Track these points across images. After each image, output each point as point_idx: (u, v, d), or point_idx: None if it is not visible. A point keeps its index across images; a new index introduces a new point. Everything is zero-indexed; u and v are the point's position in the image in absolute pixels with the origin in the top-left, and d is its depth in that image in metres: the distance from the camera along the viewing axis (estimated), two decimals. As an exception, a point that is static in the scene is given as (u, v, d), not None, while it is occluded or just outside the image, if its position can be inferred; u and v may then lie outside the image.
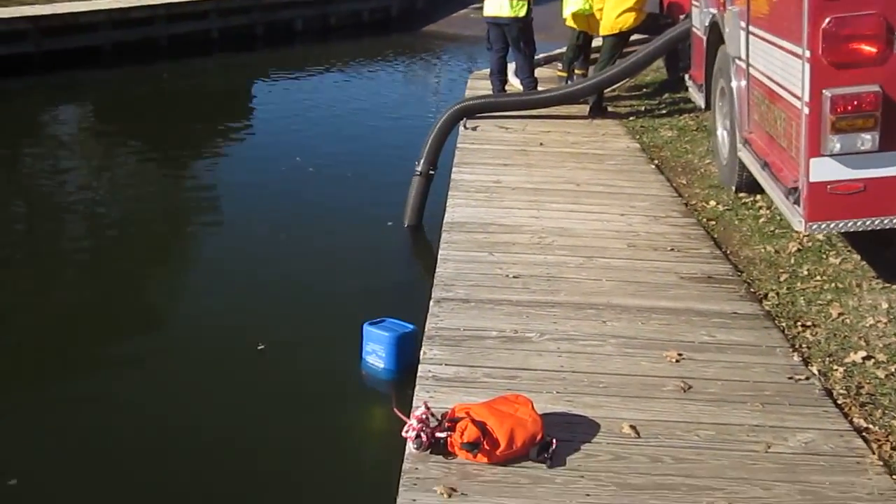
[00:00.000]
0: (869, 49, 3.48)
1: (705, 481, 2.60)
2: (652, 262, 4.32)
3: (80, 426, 3.84)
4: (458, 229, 4.71)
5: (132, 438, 3.72)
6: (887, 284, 3.92)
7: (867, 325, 3.64)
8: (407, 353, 4.20)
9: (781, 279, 4.19)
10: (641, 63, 7.25)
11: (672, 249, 4.51)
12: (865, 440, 2.83)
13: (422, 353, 3.31)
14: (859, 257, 4.26)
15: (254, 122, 10.55)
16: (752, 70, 4.67)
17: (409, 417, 2.77)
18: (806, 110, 3.61)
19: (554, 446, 2.65)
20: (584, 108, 7.55)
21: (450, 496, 2.45)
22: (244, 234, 6.32)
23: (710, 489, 2.56)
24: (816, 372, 3.28)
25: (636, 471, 2.63)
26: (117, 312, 5.09)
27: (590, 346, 3.42)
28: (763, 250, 4.56)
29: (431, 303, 3.75)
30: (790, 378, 3.22)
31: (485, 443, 2.57)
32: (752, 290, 4.06)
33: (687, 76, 6.95)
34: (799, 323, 3.73)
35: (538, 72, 8.20)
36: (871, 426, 2.93)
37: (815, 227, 3.73)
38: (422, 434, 2.61)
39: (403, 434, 2.64)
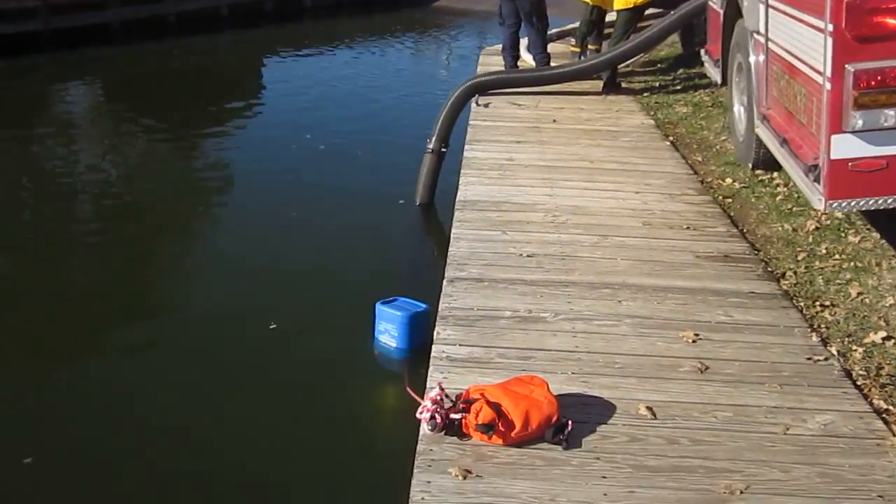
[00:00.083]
0: (894, 22, 3.39)
1: (723, 463, 2.56)
2: (667, 240, 4.27)
3: (94, 405, 3.85)
4: (471, 207, 4.66)
5: (145, 416, 3.73)
6: (908, 263, 3.86)
7: (887, 304, 3.58)
8: (419, 332, 4.18)
9: (799, 258, 4.13)
10: (656, 38, 7.13)
11: (688, 228, 4.45)
12: (885, 422, 2.79)
13: (435, 333, 3.28)
14: (879, 236, 4.19)
15: (263, 99, 10.50)
16: (771, 44, 4.57)
17: (422, 397, 2.75)
18: (828, 85, 3.53)
19: (569, 428, 2.63)
20: (598, 85, 7.46)
21: (465, 478, 2.43)
22: (255, 212, 6.29)
23: (727, 471, 2.53)
24: (835, 352, 3.23)
25: (653, 453, 2.60)
26: (129, 291, 5.09)
27: (605, 326, 3.38)
28: (780, 228, 4.50)
29: (444, 282, 3.72)
30: (808, 359, 3.17)
31: (500, 424, 2.55)
32: (769, 269, 4.01)
33: (702, 51, 6.83)
34: (817, 302, 3.68)
35: (551, 47, 8.09)
36: (891, 407, 2.88)
37: (835, 205, 3.66)
38: (436, 415, 2.58)
39: (417, 415, 2.62)
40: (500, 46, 8.04)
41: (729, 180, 5.29)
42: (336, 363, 4.19)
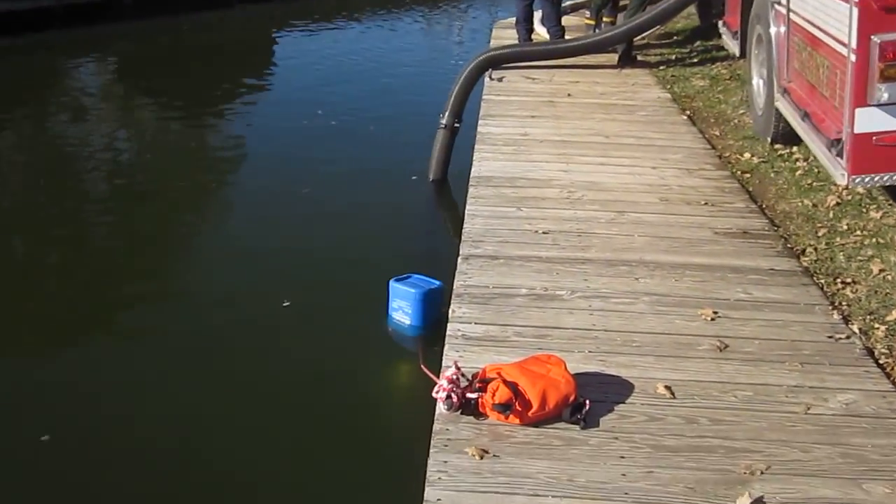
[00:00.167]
0: (922, -9, 3.30)
1: (743, 443, 2.53)
2: (685, 216, 4.21)
3: (109, 382, 3.85)
4: (486, 184, 4.61)
5: (159, 392, 3.73)
6: (932, 240, 3.79)
7: (910, 281, 3.52)
8: (433, 310, 4.16)
9: (820, 234, 4.06)
10: (672, 10, 6.98)
11: (706, 203, 4.38)
12: (909, 401, 2.74)
13: (450, 311, 3.25)
14: (902, 211, 4.12)
15: (274, 75, 10.43)
16: (793, 15, 4.47)
17: (437, 375, 2.73)
18: (852, 57, 3.45)
19: (587, 407, 2.60)
20: (613, 58, 7.35)
21: (481, 458, 2.41)
22: (267, 189, 6.26)
23: (748, 451, 2.49)
24: (857, 330, 3.18)
25: (671, 432, 2.57)
26: (142, 269, 5.08)
27: (622, 303, 3.34)
28: (800, 204, 4.42)
29: (459, 260, 3.68)
30: (830, 337, 3.12)
31: (517, 404, 2.52)
32: (789, 245, 3.95)
33: (720, 23, 6.70)
34: (838, 280, 3.62)
35: (565, 20, 7.96)
36: (914, 387, 2.84)
37: (858, 180, 3.59)
38: (452, 395, 2.56)
39: (433, 395, 2.60)
40: (513, 20, 7.92)
41: (747, 155, 5.21)
42: (349, 340, 4.17)
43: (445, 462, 2.39)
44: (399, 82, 9.51)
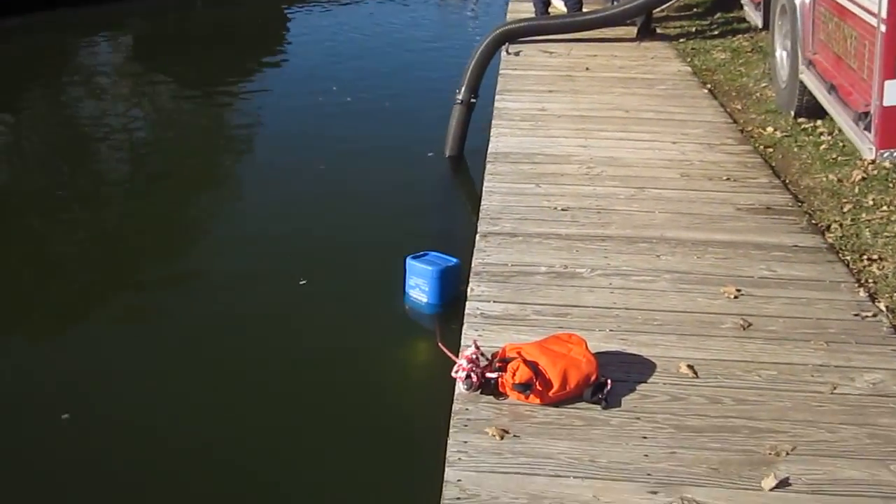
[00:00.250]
0: (957, -42, 3.18)
1: (767, 424, 2.49)
2: (707, 192, 4.13)
3: (127, 360, 3.85)
4: (503, 160, 4.55)
5: (174, 369, 3.73)
6: (961, 215, 3.70)
7: (939, 258, 3.44)
8: (450, 287, 4.12)
9: (845, 210, 3.98)
10: (693, -20, 6.86)
11: (728, 179, 4.30)
12: (938, 381, 2.69)
13: (469, 289, 3.21)
14: (930, 186, 4.02)
15: (289, 51, 10.35)
16: (819, -16, 4.35)
17: (454, 353, 2.70)
18: (882, 28, 3.35)
19: (609, 387, 2.56)
20: (632, 31, 7.23)
21: (502, 438, 2.39)
22: (282, 166, 6.22)
23: (772, 432, 2.45)
24: (884, 308, 3.12)
25: (695, 412, 2.53)
26: (158, 246, 5.07)
27: (643, 281, 3.29)
28: (825, 179, 4.34)
29: (477, 237, 3.64)
30: (856, 315, 3.06)
31: (537, 383, 2.49)
32: (813, 221, 3.87)
33: (742, -7, 6.57)
34: (864, 256, 3.54)
35: (583, -8, 7.83)
36: (944, 366, 2.77)
37: (886, 154, 3.51)
38: (472, 374, 2.53)
39: (453, 374, 2.57)
40: (529, -7, 7.80)
41: (770, 129, 5.11)
42: (366, 318, 4.15)
43: (465, 442, 2.37)
44: (414, 57, 9.41)
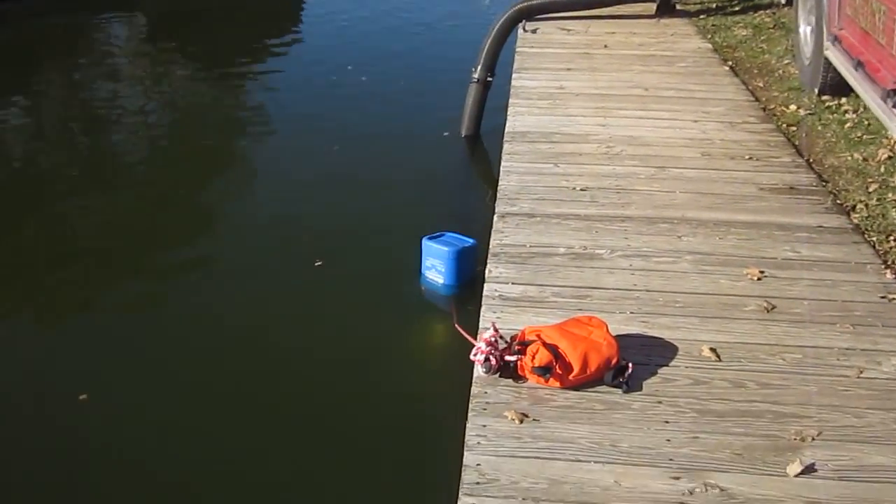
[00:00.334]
0: None
1: (792, 408, 2.44)
2: (728, 171, 4.06)
3: (142, 338, 3.85)
4: (521, 139, 4.49)
5: (191, 351, 3.72)
6: None
7: (968, 239, 3.36)
8: (467, 268, 4.09)
9: (871, 189, 3.89)
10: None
11: (750, 158, 4.22)
12: (968, 365, 2.62)
13: (487, 271, 3.17)
14: (959, 165, 3.93)
15: (304, 30, 10.26)
16: (846, -43, 4.23)
17: (471, 335, 2.67)
18: (914, 1, 3.24)
19: (630, 370, 2.52)
20: (651, 7, 7.10)
21: (521, 422, 2.35)
22: (297, 145, 6.18)
23: (797, 417, 2.40)
24: (912, 290, 3.05)
25: (717, 396, 2.48)
26: (170, 227, 5.06)
27: (664, 263, 3.23)
28: (850, 158, 4.24)
29: (495, 218, 3.59)
30: (882, 297, 3.00)
31: (557, 367, 2.45)
32: (838, 201, 3.79)
33: (765, -32, 6.43)
34: (891, 237, 3.47)
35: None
36: (974, 350, 2.71)
37: (915, 132, 3.41)
38: (491, 357, 2.49)
39: (471, 357, 2.53)
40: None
41: (793, 107, 5.01)
42: (381, 300, 4.12)
43: (484, 426, 2.34)
44: (430, 35, 9.31)
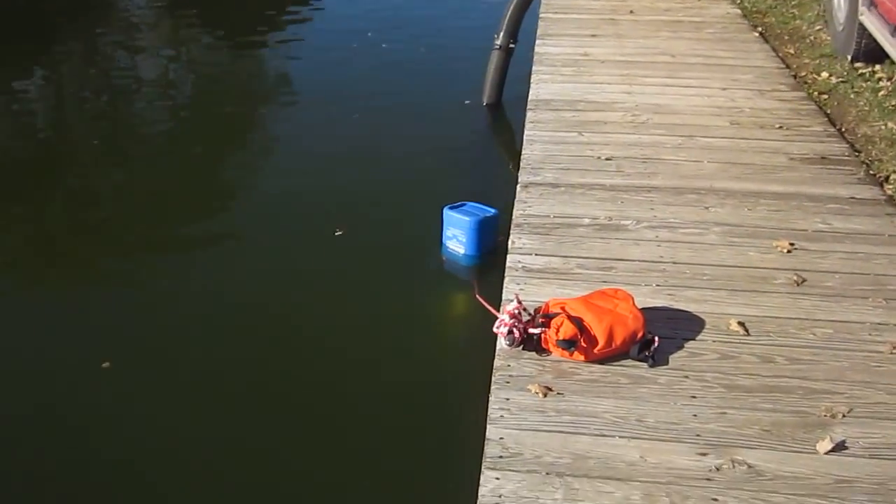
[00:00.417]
0: None
1: (822, 384, 2.38)
2: (758, 141, 3.96)
3: (165, 309, 3.85)
4: (544, 107, 4.40)
5: (212, 319, 3.72)
6: None
7: None
8: (488, 238, 4.05)
9: (905, 160, 3.79)
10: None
11: (780, 127, 4.12)
12: None
13: (510, 242, 3.12)
14: None
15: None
16: (886, -83, 4.07)
17: (494, 307, 2.63)
18: (958, -38, 3.10)
19: (656, 344, 2.47)
20: (679, -29, 6.90)
21: (545, 395, 2.32)
22: (316, 113, 6.13)
23: (828, 393, 2.35)
24: (947, 264, 2.97)
25: (746, 371, 2.43)
26: (192, 196, 5.04)
27: (691, 234, 3.16)
28: (884, 127, 4.13)
29: (518, 187, 3.53)
30: (917, 271, 2.92)
31: (582, 340, 2.40)
32: (871, 172, 3.69)
33: (798, -70, 6.22)
34: (926, 209, 3.37)
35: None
36: None
37: (955, 100, 3.29)
38: (514, 330, 2.45)
39: (494, 329, 2.49)
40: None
41: (825, 74, 4.88)
42: (402, 269, 4.09)
43: (507, 399, 2.31)
44: (451, 1, 9.16)
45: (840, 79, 4.78)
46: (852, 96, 4.55)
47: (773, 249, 3.06)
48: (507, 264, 2.96)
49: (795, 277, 2.88)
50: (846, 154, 3.84)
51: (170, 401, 3.24)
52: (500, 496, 2.00)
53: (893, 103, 4.37)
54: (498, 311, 2.62)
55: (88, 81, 7.55)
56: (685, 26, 5.76)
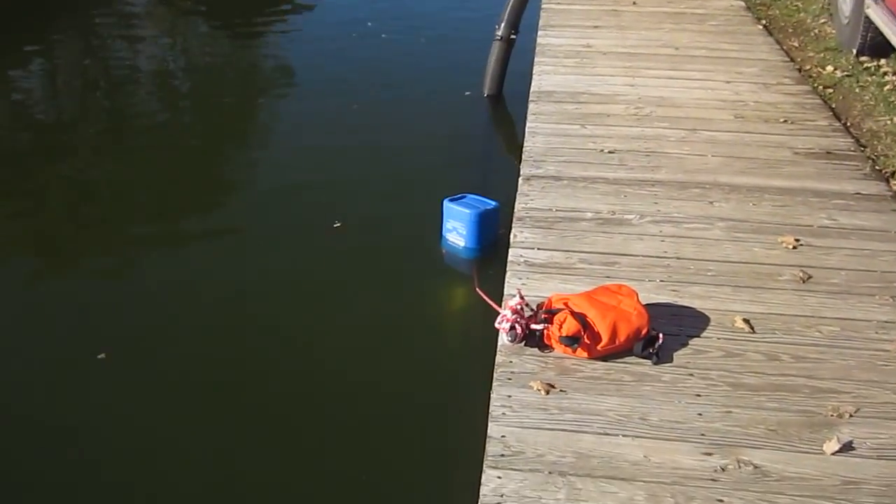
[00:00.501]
0: None
1: (829, 383, 2.35)
2: (763, 135, 3.91)
3: (162, 300, 3.80)
4: (546, 99, 4.35)
5: (209, 307, 3.67)
6: None
7: None
8: (489, 231, 4.00)
9: (912, 155, 3.75)
10: None
11: (785, 121, 4.07)
12: None
13: (512, 235, 3.07)
14: None
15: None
16: None
17: (494, 301, 2.59)
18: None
19: (660, 341, 2.43)
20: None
21: (547, 393, 2.28)
22: (315, 104, 6.07)
23: (834, 392, 2.31)
24: (954, 262, 2.93)
25: (751, 370, 2.39)
26: (191, 185, 4.99)
27: (695, 229, 3.12)
28: (889, 122, 4.09)
29: (520, 180, 3.48)
30: (924, 268, 2.88)
31: (585, 336, 2.36)
32: (877, 167, 3.65)
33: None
34: (933, 205, 3.33)
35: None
36: None
37: (964, 95, 3.25)
38: (516, 326, 2.41)
39: (496, 325, 2.45)
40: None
41: (830, 68, 4.83)
42: (401, 263, 4.05)
43: (509, 396, 2.27)
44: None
45: (845, 73, 4.73)
46: (857, 90, 4.51)
47: (778, 245, 3.02)
48: (509, 258, 2.92)
49: (801, 274, 2.84)
50: (852, 149, 3.79)
51: (167, 393, 3.19)
52: (501, 496, 1.96)
53: (899, 98, 4.33)
54: (498, 304, 2.57)
55: (84, 68, 7.48)
56: (688, 18, 5.71)
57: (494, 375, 2.35)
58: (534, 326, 2.43)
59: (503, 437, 2.13)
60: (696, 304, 2.68)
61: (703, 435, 2.15)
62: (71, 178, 5.17)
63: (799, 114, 4.16)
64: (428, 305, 3.74)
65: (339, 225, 4.32)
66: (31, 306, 3.77)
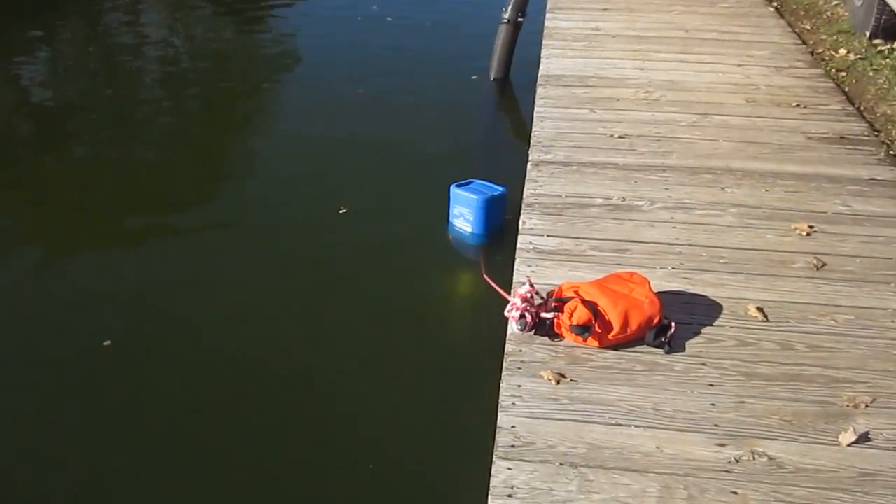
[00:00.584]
0: None
1: (844, 373, 2.31)
2: (775, 119, 3.85)
3: (168, 287, 3.77)
4: (555, 83, 4.29)
5: (216, 297, 3.65)
6: None
7: None
8: (496, 217, 3.97)
9: (927, 140, 3.69)
10: None
11: (797, 105, 4.01)
12: None
13: (520, 222, 3.03)
14: None
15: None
16: None
17: (501, 287, 2.55)
18: None
19: (672, 330, 2.39)
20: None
21: (558, 382, 2.24)
22: (320, 89, 6.01)
23: (850, 382, 2.27)
24: (972, 249, 2.87)
25: (765, 359, 2.35)
26: (197, 172, 4.96)
27: (707, 216, 3.07)
28: (904, 106, 4.02)
29: (529, 166, 3.43)
30: (941, 255, 2.83)
31: (596, 325, 2.32)
32: (891, 152, 3.59)
33: None
34: (949, 191, 3.27)
35: None
36: None
37: (982, 79, 3.18)
38: (526, 314, 2.37)
39: (506, 314, 2.41)
40: None
41: (843, 51, 4.75)
42: (408, 249, 4.01)
43: (519, 386, 2.23)
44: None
45: (858, 56, 4.66)
46: (871, 74, 4.44)
47: (791, 232, 2.97)
48: (518, 245, 2.87)
49: (815, 261, 2.80)
50: (866, 133, 3.73)
51: (172, 384, 3.17)
52: (512, 487, 1.93)
53: (913, 81, 4.26)
54: (506, 291, 2.53)
55: (88, 53, 7.43)
56: (699, 1, 5.62)
57: (504, 364, 2.31)
58: (544, 315, 2.39)
59: (513, 427, 2.10)
60: (709, 291, 2.63)
61: (716, 425, 2.12)
62: (71, 164, 5.14)
63: (812, 98, 4.10)
64: (435, 292, 3.71)
65: (344, 210, 4.28)
66: (34, 296, 3.74)
